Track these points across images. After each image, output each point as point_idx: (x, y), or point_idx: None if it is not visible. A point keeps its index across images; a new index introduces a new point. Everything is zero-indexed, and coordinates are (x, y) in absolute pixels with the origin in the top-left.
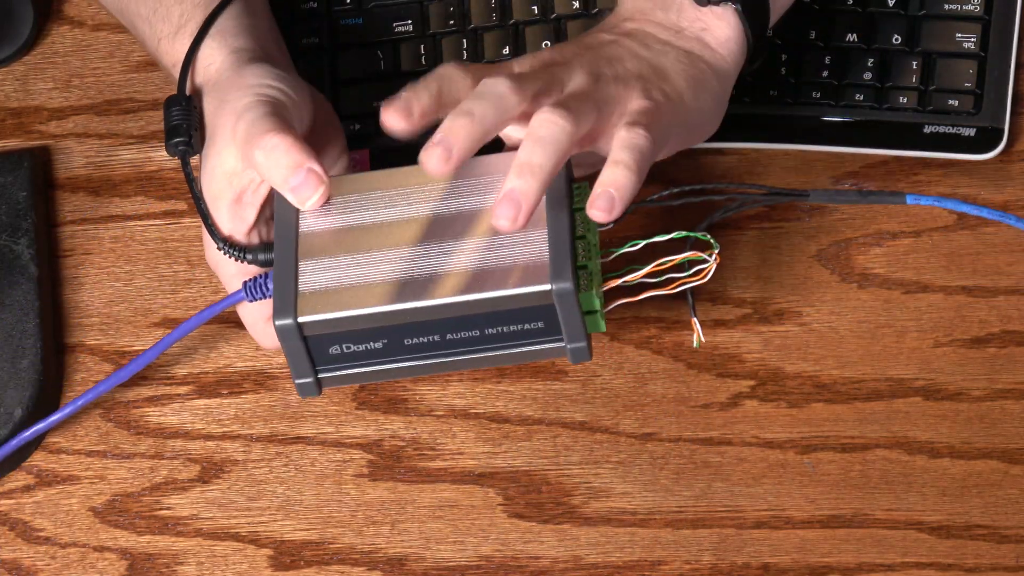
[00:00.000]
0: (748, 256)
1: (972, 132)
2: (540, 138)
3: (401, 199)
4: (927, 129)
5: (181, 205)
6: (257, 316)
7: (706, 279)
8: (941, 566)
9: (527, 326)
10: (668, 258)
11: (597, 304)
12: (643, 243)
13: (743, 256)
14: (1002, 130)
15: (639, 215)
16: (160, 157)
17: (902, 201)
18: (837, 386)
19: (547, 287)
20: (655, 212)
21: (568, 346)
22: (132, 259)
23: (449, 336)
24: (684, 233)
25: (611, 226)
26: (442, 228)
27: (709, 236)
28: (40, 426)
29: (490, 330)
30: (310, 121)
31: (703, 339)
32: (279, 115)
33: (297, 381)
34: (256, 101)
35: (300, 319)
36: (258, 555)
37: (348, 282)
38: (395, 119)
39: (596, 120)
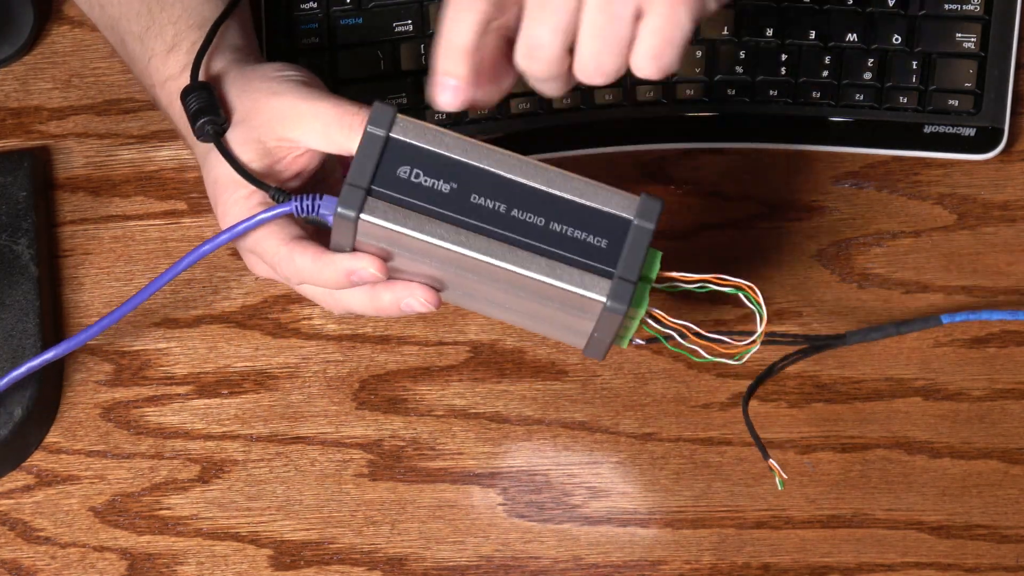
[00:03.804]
0: (748, 256)
1: (972, 132)
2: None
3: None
4: (927, 129)
5: (181, 205)
6: (285, 236)
7: (741, 361)
8: (941, 566)
9: (591, 239)
10: (725, 276)
11: (655, 273)
12: (697, 278)
13: (743, 256)
14: (1002, 130)
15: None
16: (160, 157)
17: (938, 323)
18: (837, 386)
19: (636, 198)
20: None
21: (616, 278)
22: (132, 259)
23: (514, 212)
24: (736, 291)
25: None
26: (541, 168)
27: (763, 307)
28: (39, 360)
29: (555, 225)
30: None
31: (785, 476)
32: (330, 94)
33: (348, 182)
34: (294, 86)
35: (399, 116)
36: (258, 555)
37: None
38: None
39: None
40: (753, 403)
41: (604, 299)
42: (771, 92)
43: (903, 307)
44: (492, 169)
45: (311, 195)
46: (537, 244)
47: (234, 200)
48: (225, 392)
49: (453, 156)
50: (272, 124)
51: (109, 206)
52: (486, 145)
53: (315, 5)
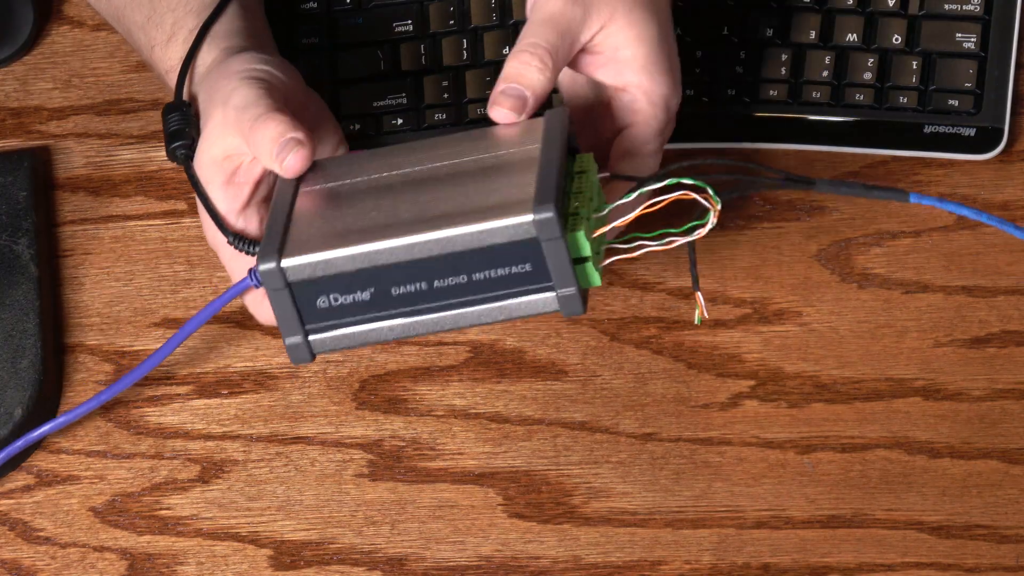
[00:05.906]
0: (748, 256)
1: (972, 132)
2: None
3: (398, 162)
4: (927, 129)
5: (181, 205)
6: (260, 295)
7: (703, 233)
8: (941, 566)
9: (514, 269)
10: (662, 197)
11: (587, 250)
12: (635, 194)
13: (743, 256)
14: (1002, 130)
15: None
16: (160, 157)
17: (905, 199)
18: (837, 386)
19: (528, 217)
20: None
21: (558, 292)
22: (132, 259)
23: (436, 283)
24: (678, 180)
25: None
26: (434, 180)
27: (709, 187)
28: (45, 428)
29: (477, 275)
30: (303, 97)
31: (706, 315)
32: (269, 96)
33: (287, 340)
34: (240, 84)
35: (284, 263)
36: (258, 555)
37: (335, 229)
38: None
39: None
40: (753, 403)
41: (559, 310)
42: (771, 92)
43: (903, 307)
44: (392, 262)
45: None
46: (474, 298)
47: (209, 222)
48: (225, 392)
49: (351, 269)
50: (221, 133)
51: (109, 206)
52: (370, 233)
53: (315, 5)
